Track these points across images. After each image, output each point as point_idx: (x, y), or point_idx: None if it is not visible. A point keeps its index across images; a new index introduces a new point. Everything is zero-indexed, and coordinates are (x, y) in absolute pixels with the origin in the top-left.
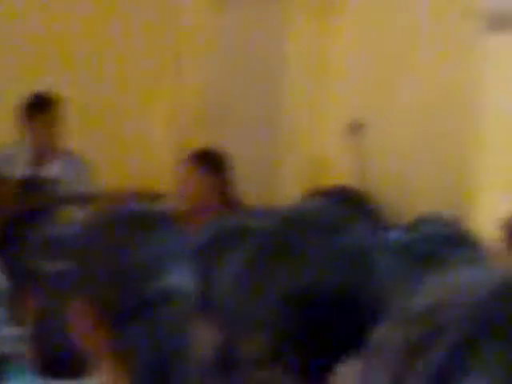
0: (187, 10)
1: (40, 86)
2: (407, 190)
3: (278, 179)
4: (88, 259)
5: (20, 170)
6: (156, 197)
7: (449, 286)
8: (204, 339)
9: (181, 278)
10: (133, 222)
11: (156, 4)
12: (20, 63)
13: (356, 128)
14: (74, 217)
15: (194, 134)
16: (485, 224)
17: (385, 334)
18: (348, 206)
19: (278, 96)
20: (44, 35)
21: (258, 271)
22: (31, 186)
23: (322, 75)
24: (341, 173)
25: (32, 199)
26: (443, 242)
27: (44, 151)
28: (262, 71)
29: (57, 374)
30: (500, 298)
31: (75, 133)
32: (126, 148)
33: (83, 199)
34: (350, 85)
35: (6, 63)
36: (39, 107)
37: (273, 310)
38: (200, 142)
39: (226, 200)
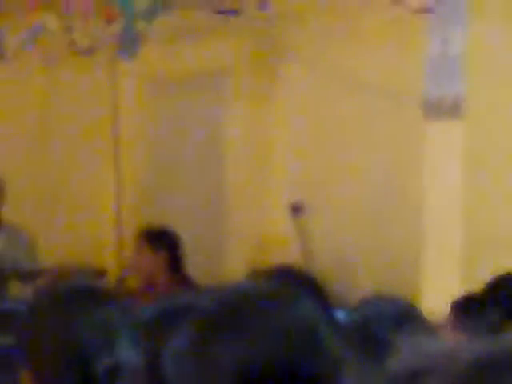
0: (126, 94)
1: None
2: (351, 270)
3: (223, 257)
4: (34, 336)
5: None
6: (99, 273)
7: (426, 353)
8: None
9: (127, 354)
10: (79, 298)
11: (94, 87)
12: None
13: (297, 209)
14: (18, 292)
15: (139, 212)
16: (431, 303)
17: None
18: (293, 284)
19: (219, 176)
20: None
21: (199, 348)
22: None
23: (263, 156)
24: (285, 251)
25: None
26: (390, 321)
27: None
28: (202, 153)
29: None
30: (479, 369)
31: (25, 209)
32: (71, 223)
33: (27, 274)
34: (291, 166)
35: None
36: None
37: None
38: (144, 220)
39: (177, 277)
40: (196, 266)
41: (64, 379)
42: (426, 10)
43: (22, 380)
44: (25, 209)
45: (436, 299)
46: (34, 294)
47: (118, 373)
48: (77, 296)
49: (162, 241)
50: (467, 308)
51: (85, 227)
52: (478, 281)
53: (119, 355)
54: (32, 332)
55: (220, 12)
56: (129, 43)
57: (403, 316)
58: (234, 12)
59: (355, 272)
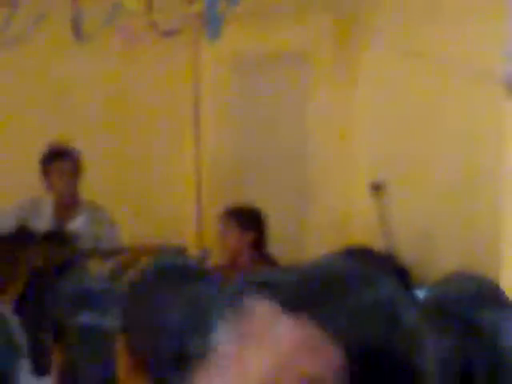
0: (208, 75)
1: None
2: (432, 249)
3: (305, 236)
4: (131, 313)
5: (44, 223)
6: (180, 251)
7: None
8: None
9: (218, 332)
10: (174, 276)
11: (177, 64)
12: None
13: (378, 187)
14: (98, 270)
15: (219, 191)
16: None
17: None
18: (373, 263)
19: (302, 155)
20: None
21: None
22: (56, 239)
23: (346, 136)
24: (366, 228)
25: (57, 253)
26: (471, 301)
27: (66, 203)
28: (287, 134)
29: None
30: None
31: (105, 185)
32: (150, 202)
33: (108, 252)
34: (373, 144)
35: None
36: (54, 157)
37: None
38: (225, 198)
39: (260, 256)
40: (279, 244)
41: (159, 355)
42: None
43: (117, 355)
44: (105, 187)
45: None
46: (134, 273)
47: (209, 351)
48: (172, 275)
49: (251, 220)
50: None
51: (165, 205)
52: None
53: (211, 333)
54: (130, 309)
55: None
56: (211, 24)
57: (484, 294)
58: None
59: (435, 249)
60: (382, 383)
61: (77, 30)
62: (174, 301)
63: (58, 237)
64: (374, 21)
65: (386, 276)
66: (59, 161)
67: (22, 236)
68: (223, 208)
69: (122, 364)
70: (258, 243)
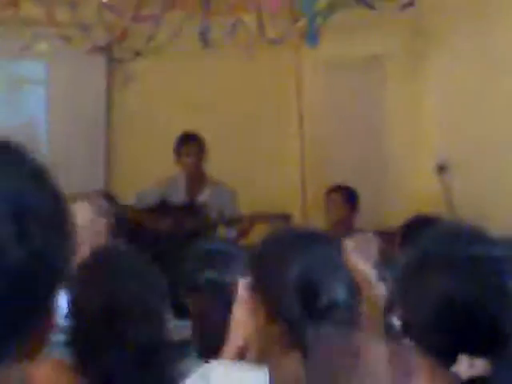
0: (308, 75)
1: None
2: (491, 226)
3: (382, 205)
4: (266, 271)
5: (179, 197)
6: (286, 218)
7: None
8: None
9: (342, 290)
10: (302, 240)
11: (283, 66)
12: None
13: (442, 168)
14: (224, 235)
15: (319, 169)
16: None
17: None
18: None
19: (380, 142)
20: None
21: (417, 273)
22: (189, 210)
23: (416, 124)
24: (433, 205)
25: (189, 221)
26: None
27: (195, 180)
28: (368, 123)
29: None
30: None
31: (222, 167)
32: (264, 177)
33: (230, 221)
34: (440, 131)
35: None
36: (185, 141)
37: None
38: (324, 175)
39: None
40: (360, 215)
41: (291, 307)
42: None
43: (252, 308)
44: (226, 166)
45: None
46: (264, 237)
47: (337, 306)
48: (299, 238)
49: (354, 198)
50: None
51: (276, 180)
52: None
53: (336, 291)
54: (264, 268)
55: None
56: (310, 36)
57: None
58: (411, 4)
59: (495, 227)
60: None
61: (204, 39)
62: (300, 259)
63: (190, 208)
64: (440, 25)
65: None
66: (187, 144)
67: (162, 208)
68: (328, 186)
69: (258, 315)
70: (353, 215)
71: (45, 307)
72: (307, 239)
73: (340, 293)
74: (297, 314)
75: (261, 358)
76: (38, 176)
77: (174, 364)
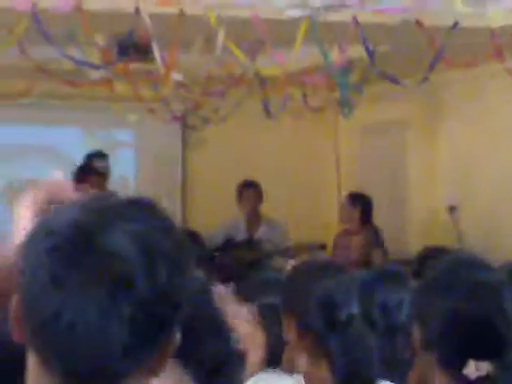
0: (344, 137)
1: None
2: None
3: (404, 233)
4: (295, 292)
5: (241, 235)
6: (323, 247)
7: None
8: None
9: (354, 307)
10: (322, 269)
11: (324, 131)
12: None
13: (452, 208)
14: (279, 265)
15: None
16: None
17: None
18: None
19: (403, 187)
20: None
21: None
22: (249, 245)
23: (432, 175)
24: (444, 234)
25: (249, 254)
26: None
27: (253, 220)
28: (390, 175)
29: None
30: None
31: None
32: (304, 214)
33: (282, 252)
34: (450, 179)
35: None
36: (245, 187)
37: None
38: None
39: (366, 226)
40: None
41: (317, 321)
42: None
43: (285, 325)
44: (278, 207)
45: None
46: (293, 267)
47: (353, 320)
48: (321, 267)
49: (358, 200)
50: None
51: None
52: None
53: (353, 308)
54: (297, 291)
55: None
56: (346, 106)
57: None
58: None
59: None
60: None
61: (267, 110)
62: (328, 282)
63: (249, 243)
64: (451, 98)
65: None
66: (247, 190)
67: (228, 244)
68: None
69: (290, 331)
70: (365, 216)
71: (167, 333)
72: (327, 269)
73: (354, 308)
74: (322, 327)
75: (293, 368)
76: (166, 224)
77: (240, 375)
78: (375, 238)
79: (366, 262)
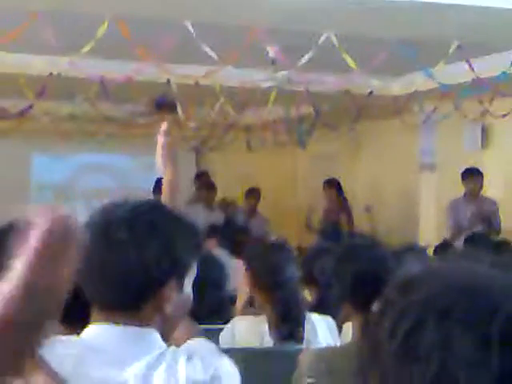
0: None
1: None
2: None
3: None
4: (259, 264)
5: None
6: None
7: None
8: None
9: (291, 272)
10: (270, 248)
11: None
12: None
13: (368, 208)
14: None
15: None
16: None
17: None
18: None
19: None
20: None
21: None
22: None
23: (353, 187)
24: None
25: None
26: None
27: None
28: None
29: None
30: None
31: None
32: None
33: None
34: (366, 190)
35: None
36: (248, 192)
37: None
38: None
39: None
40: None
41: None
42: None
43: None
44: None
45: None
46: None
47: (288, 282)
48: (271, 247)
49: (333, 183)
50: None
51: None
52: None
53: (289, 273)
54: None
55: None
56: (300, 142)
57: None
58: None
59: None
60: None
61: (249, 145)
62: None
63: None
64: (366, 140)
65: None
66: (250, 193)
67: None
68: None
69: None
70: (340, 193)
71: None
72: (276, 247)
73: (290, 273)
74: (270, 285)
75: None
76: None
77: (230, 313)
78: None
79: None
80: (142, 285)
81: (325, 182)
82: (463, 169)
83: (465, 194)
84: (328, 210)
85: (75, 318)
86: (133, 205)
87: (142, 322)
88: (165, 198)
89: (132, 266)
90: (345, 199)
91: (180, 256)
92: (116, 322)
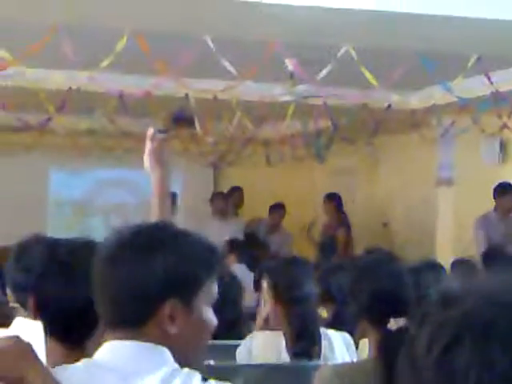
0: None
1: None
2: None
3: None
4: (278, 279)
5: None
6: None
7: None
8: None
9: (309, 288)
10: (290, 263)
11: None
12: None
13: (386, 224)
14: None
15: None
16: None
17: None
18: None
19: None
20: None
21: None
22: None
23: (375, 202)
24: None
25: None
26: None
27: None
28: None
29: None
30: None
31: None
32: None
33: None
34: (386, 203)
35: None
36: (273, 208)
37: None
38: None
39: (340, 216)
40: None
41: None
42: None
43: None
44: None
45: None
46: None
47: (307, 298)
48: (290, 262)
49: (333, 197)
50: None
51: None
52: None
53: (308, 289)
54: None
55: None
56: (318, 157)
57: None
58: None
59: None
60: None
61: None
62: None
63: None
64: (384, 154)
65: None
66: (274, 209)
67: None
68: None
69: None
70: (340, 208)
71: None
72: (294, 263)
73: (309, 289)
74: (288, 301)
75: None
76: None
77: (246, 329)
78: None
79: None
80: (138, 301)
81: (325, 197)
82: (496, 184)
83: (495, 209)
84: (327, 224)
85: (78, 337)
86: (140, 225)
87: (149, 340)
88: (154, 199)
89: (129, 283)
90: (344, 214)
91: (180, 274)
92: (125, 339)
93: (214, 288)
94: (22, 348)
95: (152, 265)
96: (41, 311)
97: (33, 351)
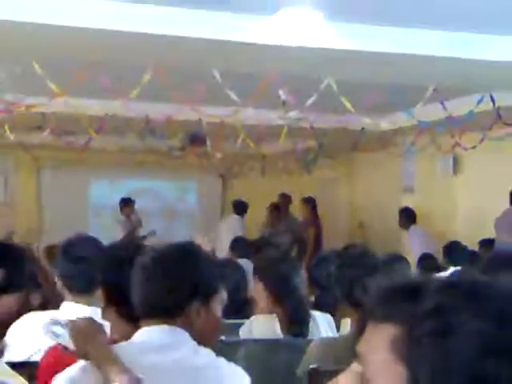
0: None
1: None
2: None
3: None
4: (270, 273)
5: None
6: None
7: None
8: None
9: (298, 281)
10: (282, 259)
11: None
12: None
13: (361, 225)
14: None
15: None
16: None
17: None
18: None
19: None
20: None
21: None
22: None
23: (351, 205)
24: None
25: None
26: None
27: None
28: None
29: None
30: None
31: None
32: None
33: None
34: (363, 207)
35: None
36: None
37: None
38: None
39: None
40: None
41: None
42: None
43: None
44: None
45: None
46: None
47: (296, 288)
48: (282, 258)
49: (308, 200)
50: None
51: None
52: None
53: (297, 281)
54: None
55: None
56: (306, 169)
57: None
58: None
59: None
60: None
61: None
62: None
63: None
64: (360, 167)
65: None
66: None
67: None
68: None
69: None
70: (314, 211)
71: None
72: (286, 259)
73: (298, 281)
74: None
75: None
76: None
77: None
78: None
79: None
80: (172, 300)
81: (302, 200)
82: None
83: None
84: (301, 223)
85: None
86: (174, 244)
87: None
88: None
89: (166, 286)
90: (316, 216)
91: (199, 282)
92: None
93: (224, 293)
94: (93, 328)
95: (174, 278)
96: (109, 299)
97: (102, 331)
